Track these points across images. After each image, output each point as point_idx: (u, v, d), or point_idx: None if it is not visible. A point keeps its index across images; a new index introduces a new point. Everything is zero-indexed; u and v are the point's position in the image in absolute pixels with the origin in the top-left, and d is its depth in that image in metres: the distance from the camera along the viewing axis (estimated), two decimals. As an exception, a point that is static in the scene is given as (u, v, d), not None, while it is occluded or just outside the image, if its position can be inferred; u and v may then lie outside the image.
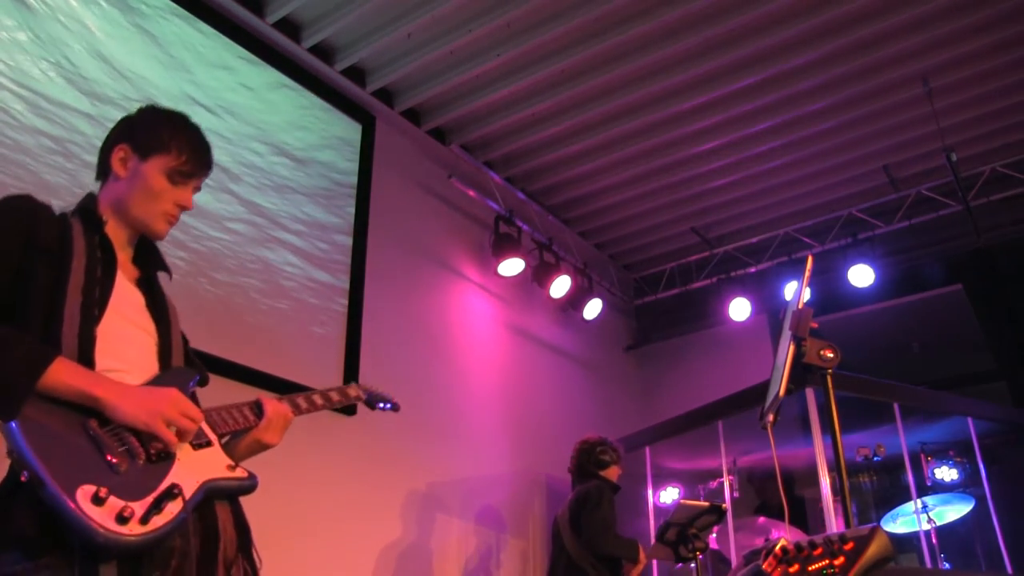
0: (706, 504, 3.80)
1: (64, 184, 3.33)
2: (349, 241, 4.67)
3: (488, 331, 5.68)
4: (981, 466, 5.05)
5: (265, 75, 4.42)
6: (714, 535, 5.17)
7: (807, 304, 1.97)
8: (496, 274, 5.72)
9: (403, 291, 5.01)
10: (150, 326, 1.71)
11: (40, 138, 3.34)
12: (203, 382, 1.78)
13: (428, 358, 5.03)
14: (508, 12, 4.34)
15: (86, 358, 1.52)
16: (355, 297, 4.57)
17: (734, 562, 5.07)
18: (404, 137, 5.29)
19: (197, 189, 1.83)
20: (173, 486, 1.44)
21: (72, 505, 1.30)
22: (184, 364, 1.78)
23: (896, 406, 4.86)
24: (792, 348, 1.93)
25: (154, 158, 1.74)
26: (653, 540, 3.93)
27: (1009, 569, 4.77)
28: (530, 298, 6.13)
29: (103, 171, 1.79)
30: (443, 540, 4.79)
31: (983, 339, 5.86)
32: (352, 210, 4.75)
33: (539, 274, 5.92)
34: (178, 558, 1.46)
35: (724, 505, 3.83)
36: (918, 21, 4.55)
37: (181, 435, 1.54)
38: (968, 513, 5.15)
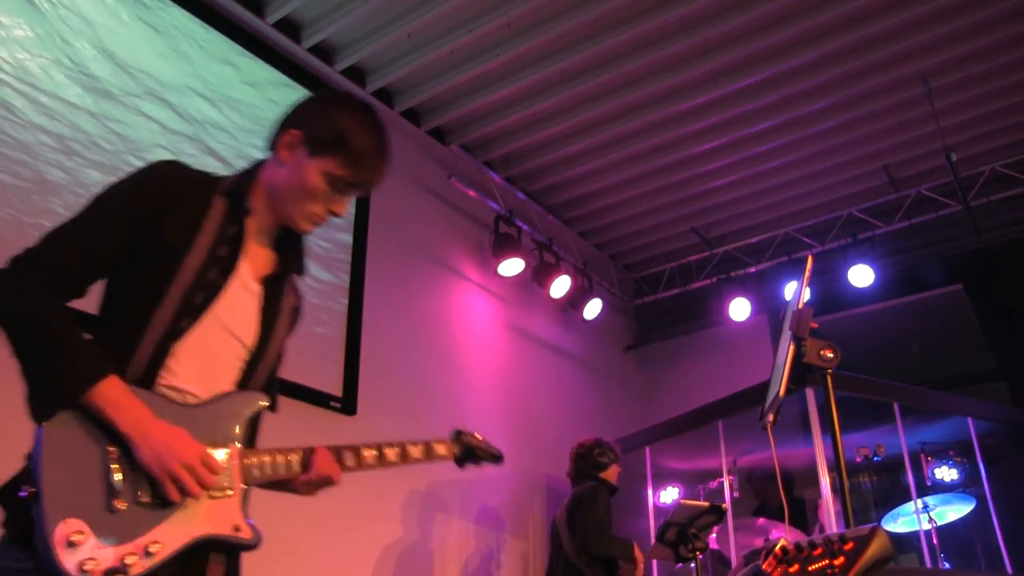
0: (706, 504, 3.80)
1: (64, 183, 3.33)
2: (349, 240, 4.67)
3: (488, 331, 5.68)
4: (981, 466, 5.05)
5: (265, 74, 4.42)
6: (714, 535, 5.17)
7: (807, 304, 1.96)
8: (496, 274, 5.72)
9: (403, 291, 5.01)
10: (250, 335, 1.62)
11: (40, 135, 3.34)
12: (271, 408, 1.67)
13: (428, 358, 5.03)
14: (508, 12, 4.34)
15: (151, 373, 1.49)
16: (355, 296, 4.57)
17: (734, 562, 5.07)
18: (404, 137, 5.28)
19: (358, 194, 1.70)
20: (151, 544, 1.40)
21: (47, 538, 1.31)
22: (266, 383, 1.67)
23: (896, 406, 4.86)
24: (792, 348, 1.93)
25: (321, 157, 1.61)
26: (653, 540, 3.93)
27: (1009, 569, 4.77)
28: (530, 298, 6.13)
29: (271, 146, 1.68)
30: (443, 541, 4.79)
31: (983, 339, 5.86)
32: (352, 210, 4.75)
33: (539, 274, 5.92)
34: None
35: (724, 505, 3.83)
36: (918, 21, 4.55)
37: (185, 494, 1.46)
38: (968, 513, 5.15)
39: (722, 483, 5.35)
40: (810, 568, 1.52)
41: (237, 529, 1.52)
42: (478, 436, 2.08)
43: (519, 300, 6.04)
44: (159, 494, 1.44)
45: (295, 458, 1.65)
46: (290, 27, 4.44)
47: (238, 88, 4.23)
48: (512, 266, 5.65)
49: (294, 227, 1.68)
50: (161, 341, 1.49)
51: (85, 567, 1.32)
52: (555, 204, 6.22)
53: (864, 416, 5.07)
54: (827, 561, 1.50)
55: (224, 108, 4.10)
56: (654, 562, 5.13)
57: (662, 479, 6.05)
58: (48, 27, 3.48)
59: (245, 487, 1.56)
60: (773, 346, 5.93)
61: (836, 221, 6.13)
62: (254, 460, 1.59)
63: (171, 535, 1.44)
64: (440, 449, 1.94)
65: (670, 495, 6.02)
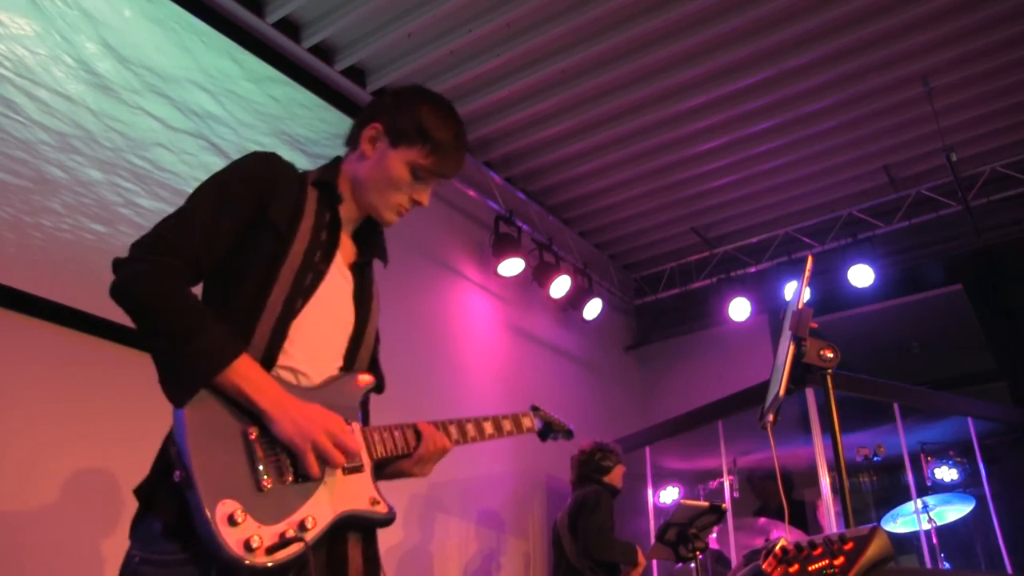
0: (706, 504, 3.80)
1: (65, 181, 3.32)
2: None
3: (488, 331, 5.68)
4: (981, 466, 5.05)
5: (267, 70, 4.41)
6: (714, 535, 5.17)
7: (807, 304, 1.96)
8: (496, 274, 5.72)
9: (403, 291, 5.00)
10: (349, 319, 1.69)
11: (40, 132, 3.33)
12: (378, 389, 1.74)
13: (428, 358, 5.03)
14: (508, 12, 4.34)
15: (271, 354, 1.51)
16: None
17: (734, 562, 5.07)
18: (404, 137, 5.28)
19: (439, 184, 1.76)
20: (307, 519, 1.44)
21: (210, 519, 1.33)
22: (368, 366, 1.74)
23: (896, 406, 4.86)
24: (792, 348, 1.93)
25: (405, 148, 1.68)
26: (653, 540, 3.94)
27: (1009, 569, 4.77)
28: (530, 298, 6.13)
29: (352, 141, 1.74)
30: (444, 542, 4.78)
31: (983, 339, 5.86)
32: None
33: (539, 274, 5.92)
34: None
35: (724, 505, 3.83)
36: (918, 21, 4.55)
37: (328, 463, 1.50)
38: (968, 513, 5.15)
39: (722, 483, 5.35)
40: (810, 568, 1.52)
41: (375, 503, 1.59)
42: (550, 412, 2.19)
43: (519, 300, 6.04)
44: (301, 471, 1.47)
45: (409, 432, 1.71)
46: (290, 27, 4.44)
47: (240, 84, 4.22)
48: (512, 266, 5.65)
49: (378, 218, 1.75)
50: (279, 321, 1.52)
51: (251, 543, 1.35)
52: (555, 204, 6.22)
53: (864, 416, 5.07)
54: (827, 561, 1.50)
55: (226, 103, 4.09)
56: (654, 562, 5.13)
57: (662, 479, 6.05)
58: (48, 22, 3.47)
59: (373, 462, 1.62)
60: (773, 346, 5.93)
61: (836, 221, 6.13)
62: (376, 436, 1.65)
63: (319, 512, 1.47)
64: (527, 422, 2.04)
65: (670, 495, 6.02)
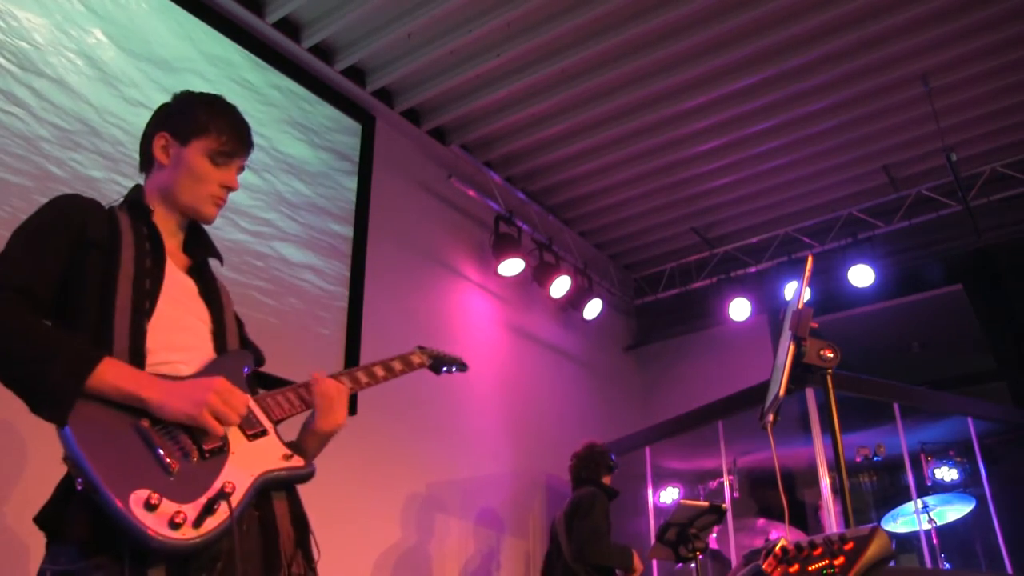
0: (706, 504, 3.80)
1: (65, 178, 3.32)
2: (349, 241, 4.67)
3: (488, 331, 5.68)
4: (981, 466, 5.05)
5: (264, 74, 4.42)
6: (714, 535, 5.17)
7: (807, 304, 1.96)
8: (496, 274, 5.72)
9: (403, 291, 5.01)
10: (204, 313, 1.71)
11: (40, 130, 3.33)
12: (259, 362, 1.78)
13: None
14: (508, 12, 4.33)
15: (137, 352, 1.52)
16: (355, 296, 4.57)
17: (734, 562, 5.07)
18: (404, 137, 5.29)
19: (241, 169, 1.82)
20: (225, 484, 1.43)
21: (125, 511, 1.31)
22: (240, 347, 1.77)
23: (896, 406, 4.86)
24: (792, 348, 1.93)
25: (195, 142, 1.74)
26: (653, 540, 3.93)
27: (1009, 569, 4.77)
28: (530, 298, 6.13)
29: (146, 161, 1.79)
30: (443, 541, 4.78)
31: (983, 339, 5.86)
32: (352, 210, 4.75)
33: (539, 274, 5.92)
34: (224, 559, 1.44)
35: (724, 505, 3.83)
36: (918, 21, 4.55)
37: (224, 423, 1.51)
38: (968, 513, 5.15)
39: (722, 483, 5.35)
40: (810, 568, 1.52)
41: (288, 457, 1.60)
42: (438, 348, 2.23)
43: (519, 300, 6.04)
44: (206, 446, 1.48)
45: (301, 389, 1.74)
46: (290, 27, 4.44)
47: (243, 73, 4.22)
48: (512, 266, 5.65)
49: (199, 216, 1.79)
50: (133, 323, 1.54)
51: (176, 520, 1.34)
52: (555, 204, 6.22)
53: (864, 416, 5.06)
54: (827, 561, 1.50)
55: (228, 94, 4.08)
56: (654, 562, 5.13)
57: (662, 479, 6.05)
58: (48, 15, 3.47)
59: (274, 423, 1.65)
60: (773, 346, 5.93)
61: (836, 221, 6.13)
62: (270, 400, 1.68)
63: (236, 478, 1.47)
64: (416, 359, 2.09)
65: (670, 495, 6.02)
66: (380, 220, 4.90)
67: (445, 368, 2.23)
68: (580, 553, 4.03)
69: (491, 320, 5.75)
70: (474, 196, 5.60)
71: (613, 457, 4.40)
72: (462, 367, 2.28)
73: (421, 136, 5.30)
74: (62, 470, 1.45)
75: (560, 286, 5.90)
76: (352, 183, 4.80)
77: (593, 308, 6.26)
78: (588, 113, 5.16)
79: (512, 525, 5.32)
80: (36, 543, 1.41)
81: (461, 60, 4.74)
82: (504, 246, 5.59)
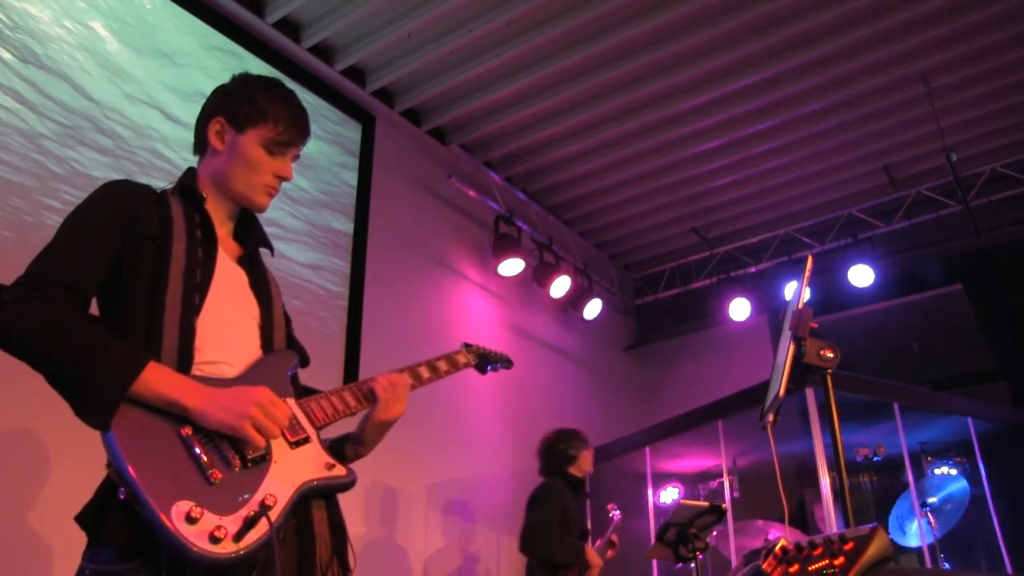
0: (706, 504, 3.79)
1: (66, 176, 3.32)
2: (349, 240, 4.67)
3: (488, 331, 5.68)
4: (981, 466, 5.05)
5: (267, 71, 4.42)
6: (714, 535, 5.17)
7: (807, 304, 1.96)
8: (496, 274, 5.72)
9: (403, 291, 5.01)
10: (253, 307, 1.68)
11: (40, 128, 3.33)
12: (304, 363, 1.74)
13: (428, 358, 5.02)
14: (508, 12, 4.34)
15: (186, 352, 1.50)
16: (356, 296, 4.57)
17: (734, 562, 5.07)
18: (404, 137, 5.29)
19: (296, 157, 1.78)
20: (266, 497, 1.41)
21: (167, 524, 1.30)
22: (288, 345, 1.74)
23: (896, 406, 4.86)
24: (792, 348, 1.93)
25: (251, 130, 1.70)
26: (653, 540, 3.92)
27: (1009, 569, 4.77)
28: (530, 298, 6.13)
29: (201, 145, 1.75)
30: (443, 541, 4.79)
31: (983, 339, 5.86)
32: (352, 210, 4.75)
33: (539, 274, 5.92)
34: (259, 567, 1.43)
35: (724, 505, 3.82)
36: (918, 21, 4.55)
37: (266, 435, 1.48)
38: (967, 513, 5.14)
39: (722, 483, 5.35)
40: (810, 568, 1.52)
41: (330, 467, 1.58)
42: (484, 346, 2.18)
43: (519, 300, 6.04)
44: (248, 456, 1.46)
45: (345, 393, 1.72)
46: (290, 27, 4.44)
47: (244, 66, 4.21)
48: (512, 266, 5.65)
49: (250, 204, 1.75)
50: (183, 320, 1.51)
51: (216, 535, 1.32)
52: (555, 204, 6.22)
53: (864, 416, 5.06)
54: (827, 561, 1.50)
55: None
56: (654, 562, 5.13)
57: (662, 479, 6.05)
58: (48, 9, 3.47)
59: (317, 429, 1.62)
60: (773, 346, 5.93)
61: (836, 221, 6.13)
62: (313, 405, 1.65)
63: (277, 489, 1.45)
64: (461, 358, 2.06)
65: (670, 495, 6.02)
66: (380, 220, 4.90)
67: (490, 366, 2.17)
68: (521, 546, 3.91)
69: (491, 320, 5.75)
70: (474, 196, 5.60)
71: (581, 434, 4.21)
72: (507, 364, 2.23)
73: (421, 136, 5.30)
74: (84, 478, 1.44)
75: (560, 286, 5.90)
76: (352, 183, 4.80)
77: (593, 308, 6.26)
78: (588, 113, 5.16)
79: (512, 525, 5.31)
80: (60, 545, 1.40)
81: (461, 60, 4.74)
82: (504, 246, 5.59)
